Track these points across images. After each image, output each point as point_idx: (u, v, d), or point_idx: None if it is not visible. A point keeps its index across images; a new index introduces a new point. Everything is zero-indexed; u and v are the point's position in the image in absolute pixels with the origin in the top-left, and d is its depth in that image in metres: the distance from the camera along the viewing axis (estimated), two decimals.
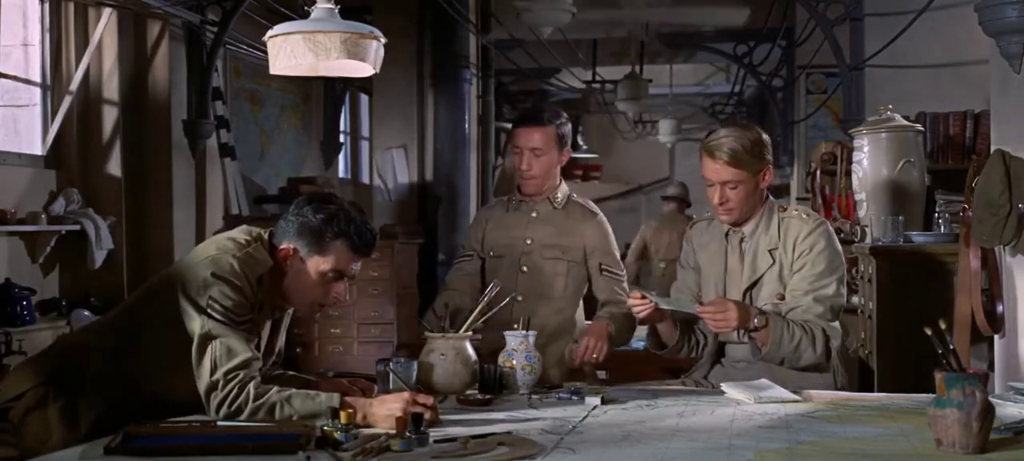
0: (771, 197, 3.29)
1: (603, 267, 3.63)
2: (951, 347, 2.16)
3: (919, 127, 4.94)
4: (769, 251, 3.18)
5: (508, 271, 3.57)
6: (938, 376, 2.11)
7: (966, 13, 4.19)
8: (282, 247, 2.62)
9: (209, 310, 2.48)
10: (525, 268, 3.58)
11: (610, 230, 3.71)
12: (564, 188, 3.70)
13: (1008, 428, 2.24)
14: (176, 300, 2.51)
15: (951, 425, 2.06)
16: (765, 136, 3.23)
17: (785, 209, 3.26)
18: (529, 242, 3.60)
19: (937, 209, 4.85)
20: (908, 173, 4.74)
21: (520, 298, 3.47)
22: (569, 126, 3.68)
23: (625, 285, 3.65)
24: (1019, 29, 3.65)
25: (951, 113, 5.37)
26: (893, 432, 2.32)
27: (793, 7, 8.50)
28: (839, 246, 3.25)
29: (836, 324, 3.17)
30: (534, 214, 3.64)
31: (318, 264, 2.62)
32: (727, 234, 3.25)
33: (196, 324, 2.48)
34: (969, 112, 5.33)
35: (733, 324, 3.02)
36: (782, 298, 3.14)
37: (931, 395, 2.14)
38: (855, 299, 4.61)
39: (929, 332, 2.16)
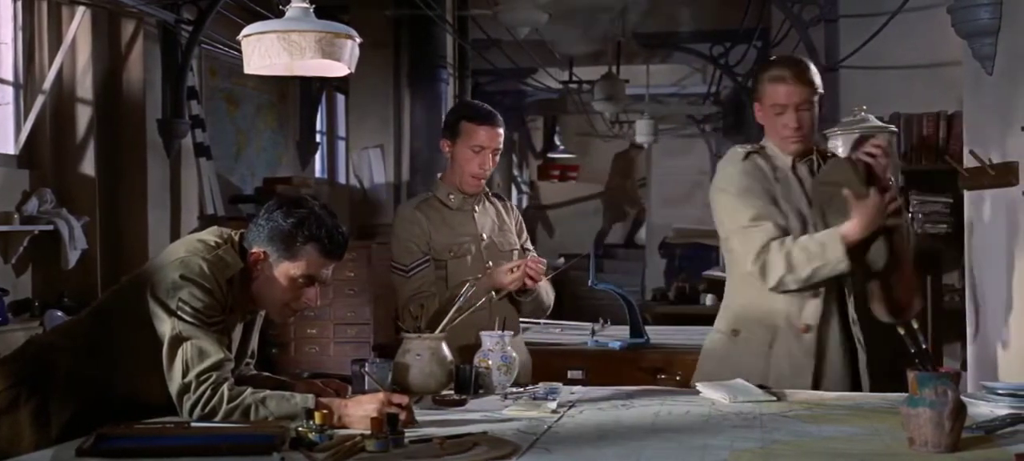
0: None
1: (524, 246, 3.67)
2: (924, 346, 2.17)
3: (893, 128, 4.98)
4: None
5: (473, 269, 3.44)
6: (911, 375, 2.12)
7: (940, 15, 4.23)
8: (252, 252, 2.58)
9: (179, 312, 2.46)
10: (490, 263, 3.49)
11: None
12: None
13: (980, 427, 2.26)
14: (146, 302, 2.49)
15: (924, 424, 2.07)
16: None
17: None
18: (485, 237, 3.54)
19: (911, 209, 4.88)
20: None
21: (495, 295, 3.38)
22: None
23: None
24: (991, 31, 3.68)
25: (925, 114, 5.41)
26: (867, 431, 2.33)
27: (769, 8, 8.54)
28: None
29: None
30: (476, 210, 3.57)
31: (288, 269, 2.58)
32: (793, 166, 3.11)
33: (166, 327, 2.46)
34: (942, 113, 5.37)
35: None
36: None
37: (904, 394, 2.15)
38: None
39: (902, 332, 2.18)
